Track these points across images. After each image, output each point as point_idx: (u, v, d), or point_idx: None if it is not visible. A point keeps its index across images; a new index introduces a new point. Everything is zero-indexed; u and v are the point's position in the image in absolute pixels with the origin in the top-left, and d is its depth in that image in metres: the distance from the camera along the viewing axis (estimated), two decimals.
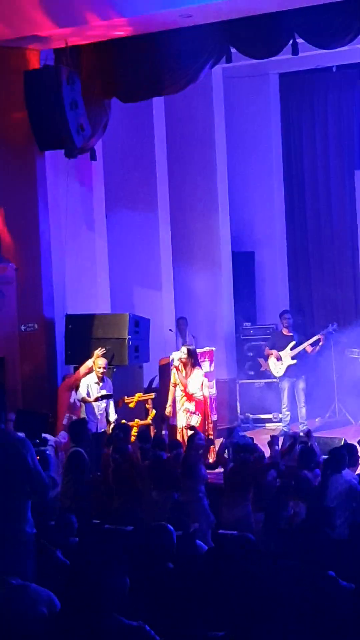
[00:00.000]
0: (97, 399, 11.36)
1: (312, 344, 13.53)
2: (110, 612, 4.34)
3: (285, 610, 5.08)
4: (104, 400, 11.43)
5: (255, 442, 10.20)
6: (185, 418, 11.74)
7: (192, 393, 11.72)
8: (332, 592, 5.59)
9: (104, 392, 11.44)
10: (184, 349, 11.94)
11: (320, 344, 13.53)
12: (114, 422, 11.40)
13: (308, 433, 10.00)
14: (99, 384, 11.45)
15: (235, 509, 9.15)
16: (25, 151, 11.80)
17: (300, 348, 13.55)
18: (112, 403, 11.56)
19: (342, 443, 9.78)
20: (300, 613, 5.27)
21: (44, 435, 9.76)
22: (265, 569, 5.92)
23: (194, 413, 11.71)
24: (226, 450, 10.14)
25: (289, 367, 13.60)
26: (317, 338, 13.52)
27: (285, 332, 13.85)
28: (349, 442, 9.63)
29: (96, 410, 11.38)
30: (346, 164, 15.75)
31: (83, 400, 11.40)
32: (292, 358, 13.57)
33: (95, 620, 4.32)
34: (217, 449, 10.48)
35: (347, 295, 15.82)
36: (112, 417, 11.50)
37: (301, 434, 10.32)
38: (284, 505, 8.40)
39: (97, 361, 11.44)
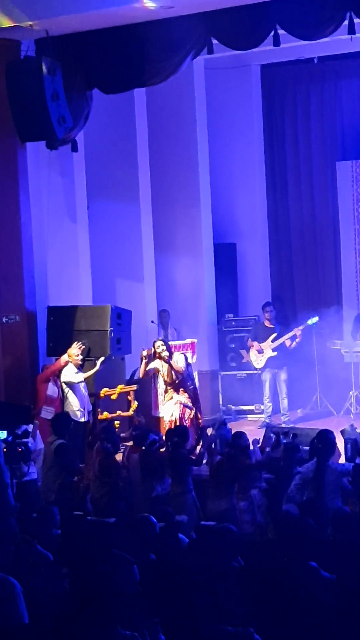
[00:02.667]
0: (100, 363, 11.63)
1: (290, 338, 13.53)
2: (115, 623, 4.22)
3: (269, 602, 5.10)
4: (86, 390, 11.50)
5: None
6: (178, 410, 11.62)
7: (181, 367, 11.66)
8: (313, 582, 5.61)
9: (102, 358, 11.67)
10: (160, 345, 11.71)
11: (297, 340, 13.49)
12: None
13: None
14: (78, 374, 11.52)
15: (220, 501, 9.17)
16: (7, 142, 11.74)
17: (281, 340, 13.54)
18: None
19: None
20: (283, 604, 5.29)
21: (26, 427, 9.75)
22: (247, 560, 5.94)
23: (188, 407, 11.65)
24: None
25: (269, 358, 13.60)
26: (294, 333, 13.51)
27: (267, 323, 13.85)
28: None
29: (83, 391, 11.45)
30: (328, 156, 15.76)
31: (81, 379, 11.45)
32: (273, 350, 13.58)
33: (97, 629, 4.20)
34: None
35: (328, 287, 15.84)
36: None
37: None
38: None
39: (72, 351, 11.46)
